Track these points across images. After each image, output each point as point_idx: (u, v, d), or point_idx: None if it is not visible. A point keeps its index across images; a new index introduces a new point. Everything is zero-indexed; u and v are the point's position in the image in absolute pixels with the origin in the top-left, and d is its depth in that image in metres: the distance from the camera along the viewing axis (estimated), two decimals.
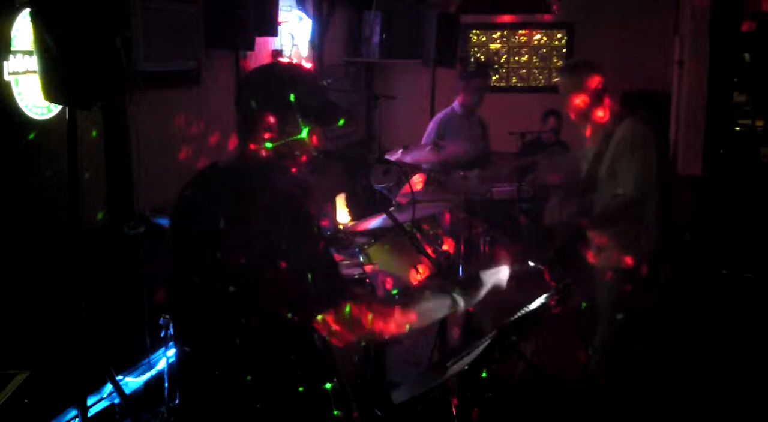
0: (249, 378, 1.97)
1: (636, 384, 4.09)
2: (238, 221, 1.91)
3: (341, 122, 2.12)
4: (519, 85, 9.10)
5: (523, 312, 2.15)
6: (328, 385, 2.11)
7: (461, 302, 2.12)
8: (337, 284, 2.12)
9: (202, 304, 1.96)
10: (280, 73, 2.13)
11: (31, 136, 3.72)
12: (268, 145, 2.04)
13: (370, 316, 1.95)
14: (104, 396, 3.94)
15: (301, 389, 2.05)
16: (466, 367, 2.26)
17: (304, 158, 2.08)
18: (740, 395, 4.34)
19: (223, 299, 1.91)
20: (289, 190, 2.11)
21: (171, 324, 3.74)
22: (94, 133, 4.22)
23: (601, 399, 4.13)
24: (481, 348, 2.09)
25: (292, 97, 2.02)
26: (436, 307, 2.11)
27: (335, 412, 2.09)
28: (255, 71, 2.21)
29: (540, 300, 2.19)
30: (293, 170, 2.11)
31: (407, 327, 2.02)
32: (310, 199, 2.24)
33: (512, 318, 2.09)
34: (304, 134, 2.04)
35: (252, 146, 2.06)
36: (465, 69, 7.16)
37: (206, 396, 2.02)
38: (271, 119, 2.03)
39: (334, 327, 1.92)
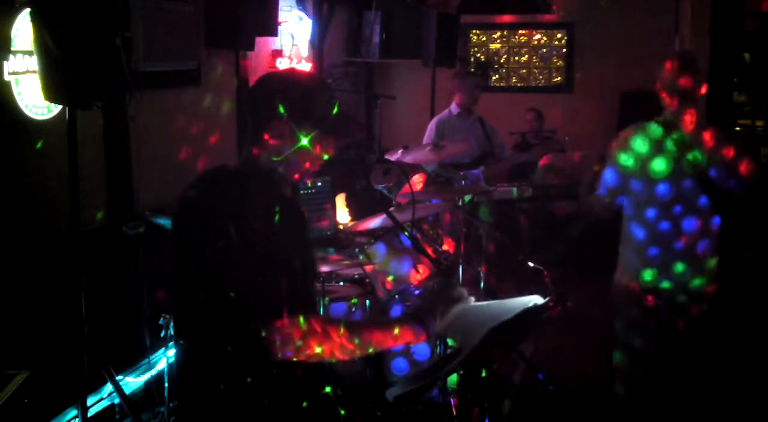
0: (249, 380, 1.97)
1: (635, 384, 4.08)
2: (242, 225, 1.91)
3: (356, 135, 2.13)
4: (519, 85, 9.10)
5: (515, 313, 2.14)
6: (327, 389, 2.10)
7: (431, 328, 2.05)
8: (309, 296, 2.13)
9: (203, 307, 1.96)
10: (290, 82, 2.12)
11: (39, 145, 3.73)
12: (275, 153, 2.04)
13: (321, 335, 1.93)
14: (104, 396, 3.95)
15: (300, 393, 2.05)
16: (459, 367, 2.26)
17: (308, 165, 2.09)
18: (740, 395, 4.34)
19: (224, 302, 1.91)
20: (289, 196, 2.11)
21: (171, 324, 3.74)
22: (101, 124, 4.22)
23: (601, 399, 4.14)
24: (469, 348, 2.08)
25: (282, 107, 2.01)
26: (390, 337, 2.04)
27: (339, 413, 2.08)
28: (265, 79, 2.19)
29: (534, 301, 2.18)
30: (297, 176, 2.11)
31: (355, 354, 1.99)
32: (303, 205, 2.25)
33: (503, 319, 2.08)
34: (307, 143, 2.04)
35: (256, 151, 2.06)
36: (461, 69, 7.18)
37: (207, 399, 2.02)
38: (280, 128, 2.03)
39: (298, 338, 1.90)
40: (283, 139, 2.03)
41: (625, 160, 3.55)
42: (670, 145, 3.48)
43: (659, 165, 3.49)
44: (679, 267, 3.53)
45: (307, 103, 2.04)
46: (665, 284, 3.57)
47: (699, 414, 3.77)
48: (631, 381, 3.76)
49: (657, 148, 3.50)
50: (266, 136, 2.04)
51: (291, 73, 2.45)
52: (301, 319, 1.90)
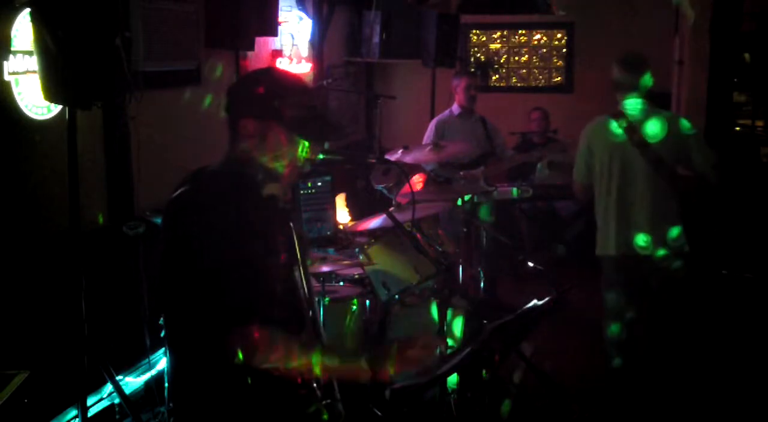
0: (249, 380, 1.97)
1: (635, 384, 4.09)
2: (229, 223, 1.91)
3: (333, 139, 2.12)
4: (519, 85, 9.09)
5: (516, 313, 2.15)
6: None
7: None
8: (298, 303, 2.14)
9: (194, 306, 1.96)
10: (267, 81, 2.11)
11: (39, 145, 3.72)
12: (254, 152, 2.04)
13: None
14: (104, 396, 3.95)
15: (294, 390, 2.06)
16: (454, 367, 2.27)
17: (287, 166, 2.07)
18: (740, 395, 4.34)
19: (215, 301, 1.90)
20: (272, 196, 2.10)
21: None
22: (101, 124, 4.21)
23: (602, 399, 4.14)
24: (470, 348, 2.09)
25: (276, 106, 2.01)
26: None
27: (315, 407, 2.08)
28: (244, 78, 2.20)
29: (535, 302, 2.19)
30: (283, 178, 2.10)
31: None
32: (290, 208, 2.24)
33: (503, 320, 2.09)
34: (291, 144, 2.03)
35: (238, 151, 2.06)
36: (458, 69, 7.18)
37: (203, 399, 2.02)
38: (255, 127, 2.02)
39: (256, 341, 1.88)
40: (258, 138, 2.02)
41: (586, 143, 4.10)
42: (621, 127, 3.97)
43: (614, 144, 3.98)
44: (642, 237, 3.94)
45: (280, 103, 2.02)
46: (632, 251, 3.95)
47: (685, 383, 4.01)
48: (624, 351, 4.08)
49: (610, 130, 4.00)
50: (242, 135, 2.04)
51: (268, 72, 2.45)
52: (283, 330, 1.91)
